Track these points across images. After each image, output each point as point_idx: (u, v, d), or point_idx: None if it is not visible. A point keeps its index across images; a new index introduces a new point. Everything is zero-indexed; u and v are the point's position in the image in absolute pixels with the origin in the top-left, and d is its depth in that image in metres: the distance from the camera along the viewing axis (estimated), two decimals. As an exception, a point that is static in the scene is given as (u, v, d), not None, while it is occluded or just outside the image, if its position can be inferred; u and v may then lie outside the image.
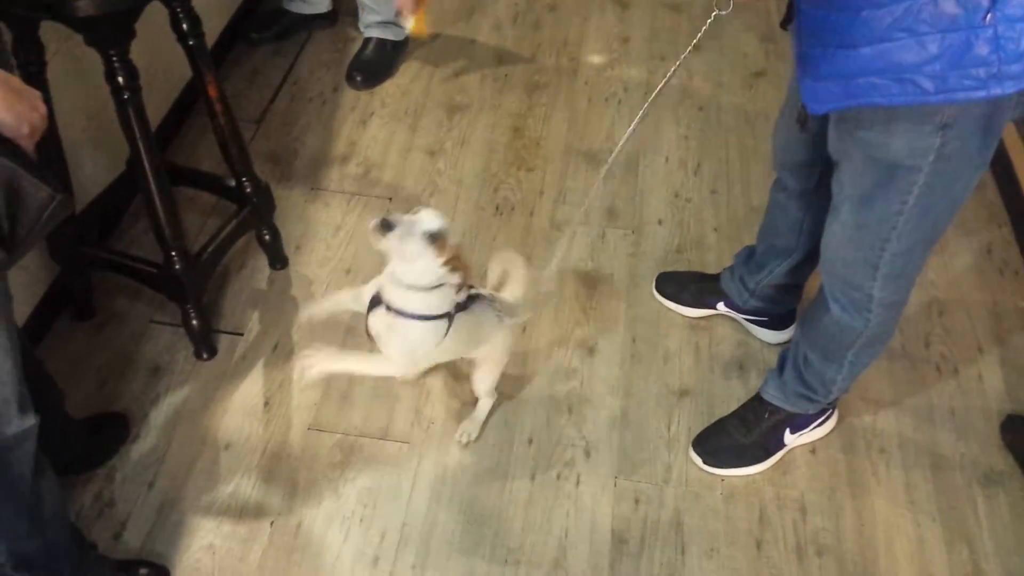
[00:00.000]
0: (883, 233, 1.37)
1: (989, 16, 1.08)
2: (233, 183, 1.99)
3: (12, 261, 1.16)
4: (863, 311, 1.51)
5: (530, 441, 1.86)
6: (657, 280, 2.15)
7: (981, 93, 1.14)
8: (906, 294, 1.52)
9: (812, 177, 1.65)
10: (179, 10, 1.70)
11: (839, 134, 1.36)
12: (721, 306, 2.06)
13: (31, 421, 1.26)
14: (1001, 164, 2.40)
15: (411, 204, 2.31)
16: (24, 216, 1.15)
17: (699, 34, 1.37)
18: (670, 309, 2.11)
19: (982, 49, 1.10)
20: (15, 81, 1.17)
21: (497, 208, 2.34)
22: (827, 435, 1.87)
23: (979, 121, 1.21)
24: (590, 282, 2.17)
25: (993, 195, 2.40)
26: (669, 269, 2.18)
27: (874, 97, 1.19)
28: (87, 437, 1.74)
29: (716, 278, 2.08)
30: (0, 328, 1.18)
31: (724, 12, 1.34)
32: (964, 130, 1.21)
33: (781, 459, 1.83)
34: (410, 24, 1.29)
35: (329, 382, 1.93)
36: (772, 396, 1.79)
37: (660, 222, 2.32)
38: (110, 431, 1.80)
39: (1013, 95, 1.17)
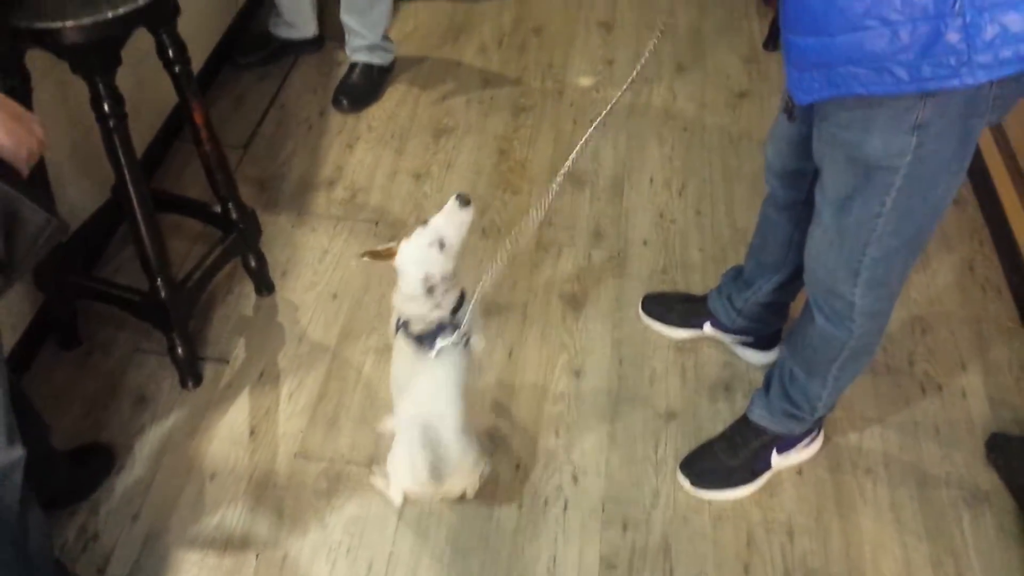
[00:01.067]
0: (863, 236, 1.38)
1: (958, 4, 1.09)
2: (219, 209, 2.00)
3: (8, 285, 1.18)
4: (846, 320, 1.51)
5: (517, 467, 1.86)
6: (643, 301, 2.15)
7: (954, 82, 1.14)
8: (889, 304, 1.53)
9: (802, 188, 1.65)
10: (165, 37, 1.71)
11: (819, 134, 1.37)
12: (707, 327, 2.07)
13: (18, 453, 1.26)
14: (981, 180, 2.43)
15: (397, 228, 2.33)
16: (21, 240, 1.17)
17: (650, 46, 1.44)
18: (656, 330, 2.12)
19: (952, 37, 1.11)
20: (13, 106, 1.18)
21: (483, 231, 2.34)
22: (813, 456, 1.87)
23: (954, 123, 1.22)
24: (576, 304, 2.18)
25: (974, 211, 2.42)
26: (655, 290, 2.19)
27: (854, 87, 1.20)
28: (72, 469, 1.73)
29: (702, 299, 2.09)
30: None
31: (661, 32, 1.39)
32: (939, 130, 1.23)
33: (768, 481, 1.83)
34: None
35: (315, 408, 1.93)
36: (759, 416, 1.80)
37: (645, 243, 2.33)
38: (95, 463, 1.79)
39: (988, 97, 1.19)
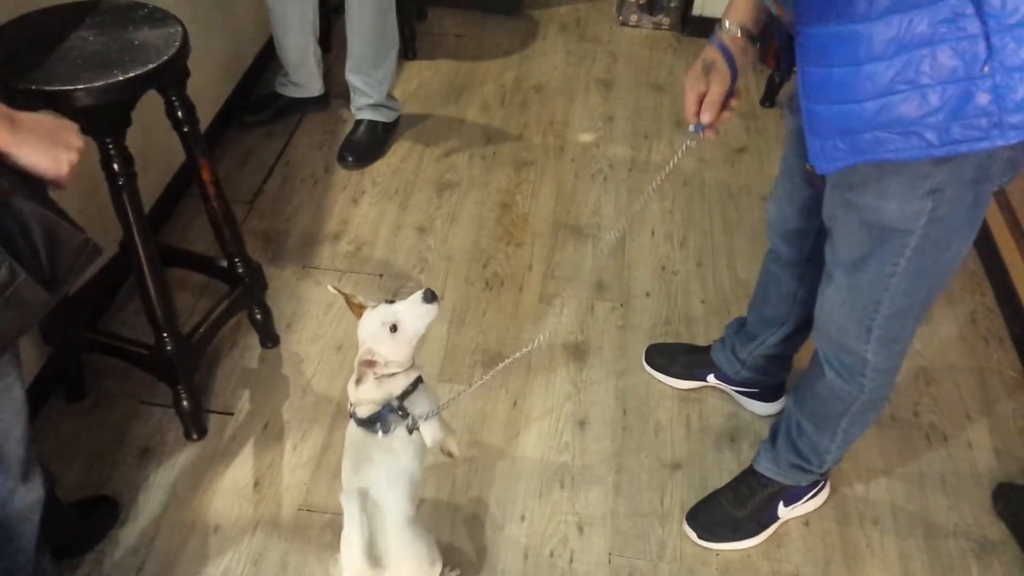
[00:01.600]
0: (876, 295, 1.38)
1: (987, 67, 1.08)
2: (225, 264, 2.02)
3: (53, 301, 1.19)
4: (857, 376, 1.51)
5: (522, 518, 1.85)
6: (647, 352, 2.16)
7: (985, 144, 1.14)
8: (899, 359, 1.53)
9: (805, 247, 1.68)
10: (174, 98, 1.75)
11: (832, 199, 1.38)
12: (711, 378, 2.08)
13: (39, 493, 1.28)
14: (981, 233, 2.44)
15: (401, 280, 2.35)
16: (62, 260, 1.19)
17: (671, 164, 1.48)
18: (660, 381, 2.12)
19: (982, 99, 1.10)
20: (47, 122, 1.19)
21: (487, 283, 2.37)
22: (820, 506, 1.86)
23: (968, 186, 1.23)
24: (579, 355, 2.19)
25: (975, 264, 2.44)
26: (658, 341, 2.20)
27: (881, 152, 1.19)
28: (77, 520, 1.72)
29: (706, 350, 2.09)
30: (15, 388, 1.20)
31: (693, 144, 1.44)
32: (954, 194, 1.23)
33: (775, 532, 1.82)
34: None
35: (319, 460, 1.92)
36: (765, 468, 1.79)
37: (648, 294, 2.35)
38: (100, 514, 1.78)
39: (1001, 159, 1.19)
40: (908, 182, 1.23)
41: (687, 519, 1.83)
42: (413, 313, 1.42)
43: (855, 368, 1.50)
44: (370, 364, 1.43)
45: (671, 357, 2.14)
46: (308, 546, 1.78)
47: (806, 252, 1.70)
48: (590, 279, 2.39)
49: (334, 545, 1.77)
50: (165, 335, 1.81)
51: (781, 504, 1.81)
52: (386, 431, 1.46)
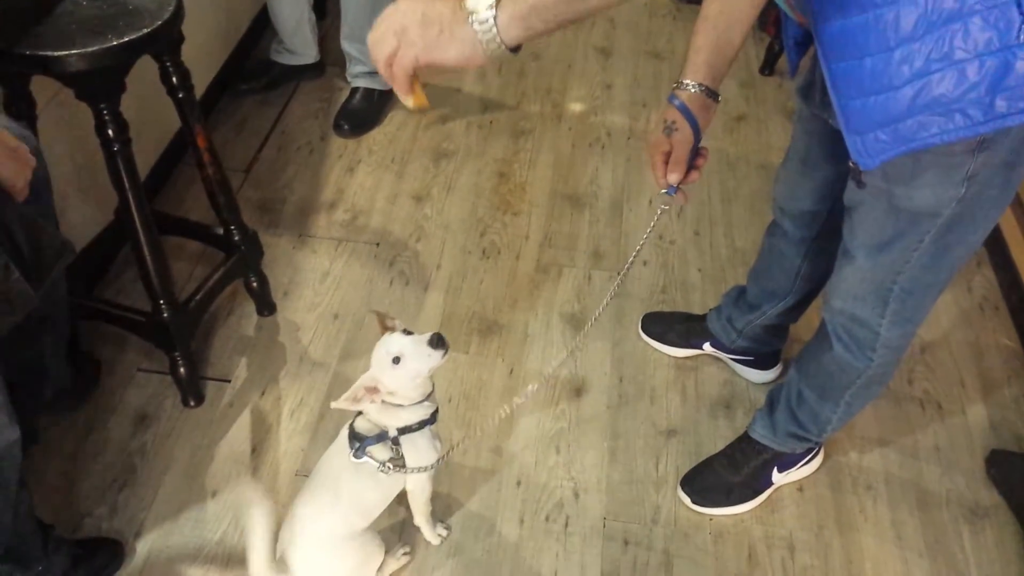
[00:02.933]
0: (896, 272, 1.36)
1: (1023, 34, 1.03)
2: (221, 231, 2.02)
3: (36, 300, 1.25)
4: (866, 350, 1.50)
5: (518, 483, 1.86)
6: (643, 320, 2.17)
7: None
8: (911, 337, 1.51)
9: (815, 225, 1.66)
10: (168, 64, 1.73)
11: (859, 185, 1.34)
12: (707, 346, 2.08)
13: (16, 433, 1.36)
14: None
15: (398, 249, 2.35)
16: (44, 262, 1.23)
17: (648, 231, 1.48)
18: (656, 349, 2.13)
19: (1022, 67, 1.05)
20: (8, 139, 1.23)
21: (484, 252, 2.36)
22: (814, 473, 1.88)
23: (1001, 170, 1.20)
24: (576, 323, 2.19)
25: (971, 233, 2.44)
26: (655, 310, 2.20)
27: (925, 138, 1.13)
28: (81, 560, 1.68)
29: (702, 318, 2.10)
30: None
31: (667, 207, 1.45)
32: (987, 178, 1.20)
33: (769, 497, 1.84)
34: (410, 102, 1.11)
35: (317, 427, 1.93)
36: (761, 435, 1.80)
37: (645, 263, 2.35)
38: (103, 556, 1.71)
39: None
40: (944, 170, 1.20)
41: (682, 484, 1.84)
42: (417, 352, 1.37)
43: (866, 342, 1.48)
44: (370, 390, 1.40)
45: (667, 325, 2.14)
46: (305, 511, 1.79)
47: (815, 231, 1.68)
48: (587, 248, 2.39)
49: (331, 510, 1.78)
50: (162, 302, 1.81)
51: (775, 470, 1.82)
52: (356, 455, 1.45)
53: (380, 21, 1.01)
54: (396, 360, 1.37)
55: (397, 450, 1.46)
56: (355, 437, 1.46)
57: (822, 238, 1.66)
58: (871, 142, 1.18)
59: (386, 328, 1.44)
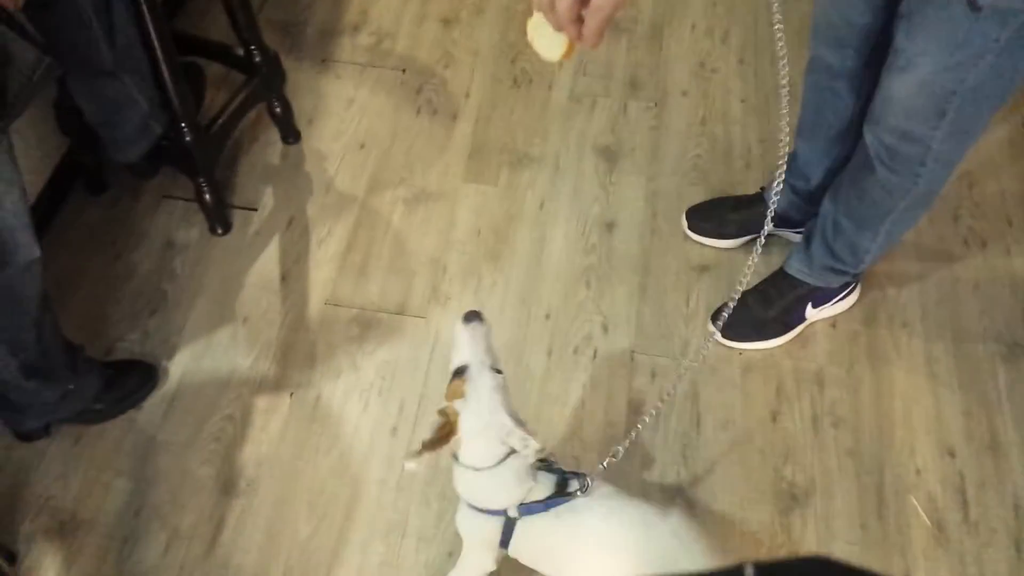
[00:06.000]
0: (960, 78, 1.24)
1: None
2: (242, 52, 1.93)
3: (4, 127, 1.17)
4: (915, 166, 1.40)
5: (547, 316, 1.85)
6: (688, 218, 1.96)
7: None
8: (963, 152, 1.41)
9: (866, 50, 1.48)
10: None
11: None
12: (770, 227, 1.91)
13: (37, 252, 1.35)
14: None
15: (425, 76, 2.25)
16: (13, 79, 1.15)
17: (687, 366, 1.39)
18: (713, 247, 1.95)
19: None
20: None
21: (515, 80, 2.26)
22: (849, 309, 1.84)
23: None
24: (610, 156, 2.11)
25: (1034, 64, 2.29)
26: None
27: None
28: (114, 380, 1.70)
29: (756, 198, 1.92)
30: (2, 162, 1.20)
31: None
32: None
33: (800, 333, 1.81)
34: (562, 49, 0.95)
35: (345, 257, 1.92)
36: (797, 270, 1.75)
37: (684, 93, 2.24)
38: (137, 376, 1.74)
39: None
40: None
41: (712, 319, 1.82)
42: (485, 384, 1.22)
43: (912, 158, 1.39)
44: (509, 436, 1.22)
45: (719, 219, 1.94)
46: (335, 339, 1.80)
47: (866, 56, 1.52)
48: (623, 77, 2.27)
49: (360, 338, 1.80)
50: (183, 125, 1.76)
51: (809, 306, 1.78)
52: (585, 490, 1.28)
53: None
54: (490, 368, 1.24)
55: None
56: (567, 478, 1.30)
57: (874, 65, 1.51)
58: None
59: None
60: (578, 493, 1.26)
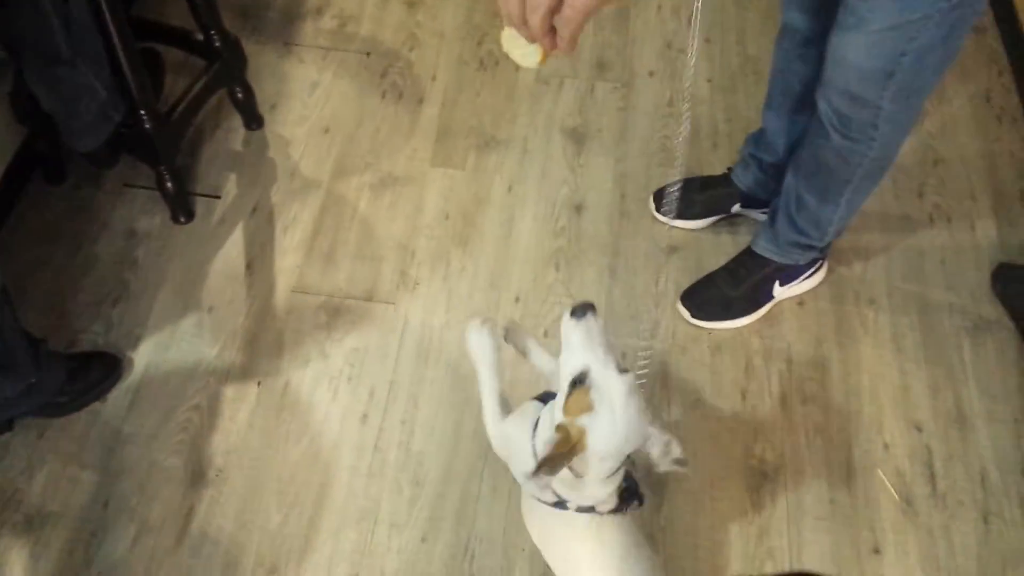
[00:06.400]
0: (909, 38, 1.25)
1: None
2: (201, 37, 1.90)
3: None
4: (868, 129, 1.41)
5: (517, 299, 1.84)
6: (655, 199, 1.96)
7: None
8: (914, 114, 1.43)
9: (833, 10, 1.50)
10: None
11: None
12: (737, 207, 1.92)
13: None
14: (1003, 6, 2.30)
15: (390, 60, 2.23)
16: None
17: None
18: (680, 227, 1.94)
19: None
20: None
21: (481, 62, 2.24)
22: (816, 287, 1.85)
23: None
24: (578, 138, 2.10)
25: (994, 40, 2.30)
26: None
27: None
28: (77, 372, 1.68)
29: (723, 179, 1.92)
30: None
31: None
32: None
33: (769, 311, 1.82)
34: (537, 58, 0.95)
35: (311, 243, 1.90)
36: (764, 248, 1.76)
37: (651, 74, 2.23)
38: (99, 368, 1.71)
39: None
40: None
41: (681, 299, 1.82)
42: (616, 387, 1.05)
43: (866, 123, 1.40)
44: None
45: (686, 200, 1.93)
46: (302, 326, 1.78)
47: (834, 17, 1.53)
48: (591, 58, 2.26)
49: (328, 325, 1.78)
50: (142, 112, 1.73)
51: (777, 284, 1.79)
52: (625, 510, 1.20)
53: None
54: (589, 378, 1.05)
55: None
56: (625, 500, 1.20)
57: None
58: None
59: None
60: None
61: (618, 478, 1.15)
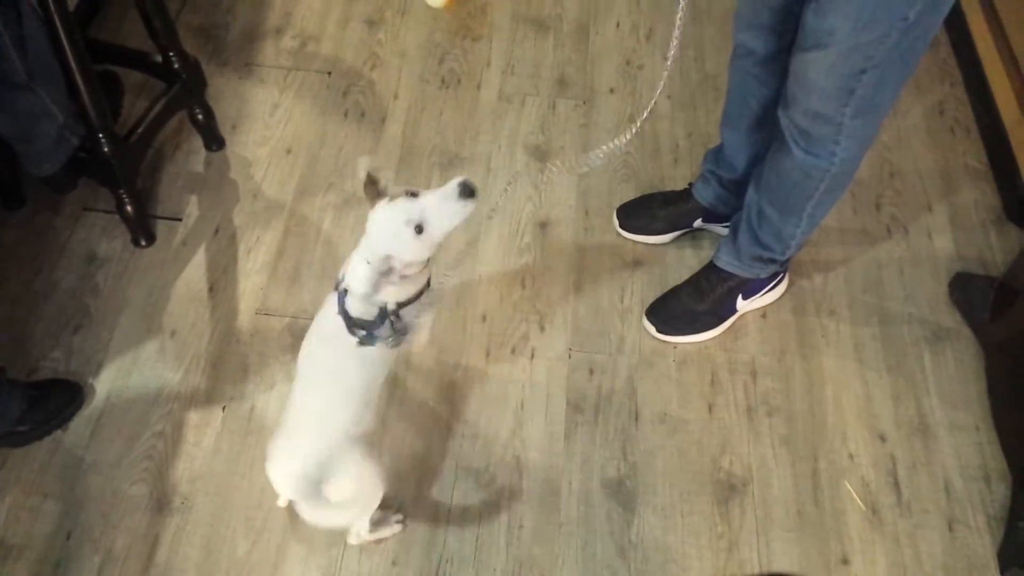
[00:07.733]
0: (868, 57, 1.28)
1: None
2: (160, 59, 1.88)
3: None
4: (829, 145, 1.43)
5: (484, 318, 1.84)
6: (619, 216, 1.98)
7: None
8: (874, 130, 1.45)
9: (788, 32, 1.49)
10: None
11: None
12: (699, 222, 1.95)
13: None
14: (955, 20, 2.35)
15: (352, 79, 2.23)
16: None
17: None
18: (644, 243, 1.97)
19: None
20: None
21: (443, 81, 2.25)
22: (778, 299, 1.87)
23: None
24: (541, 155, 2.12)
25: (947, 53, 2.36)
26: (624, 200, 2.00)
27: None
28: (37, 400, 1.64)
29: (684, 194, 1.94)
30: None
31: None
32: None
33: (733, 325, 1.84)
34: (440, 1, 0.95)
35: (275, 265, 1.88)
36: (726, 263, 1.78)
37: (612, 91, 2.25)
38: (58, 397, 1.68)
39: None
40: None
41: (646, 314, 1.83)
42: (445, 212, 1.21)
43: (827, 138, 1.43)
44: (389, 272, 1.23)
45: (648, 215, 1.96)
46: (268, 348, 1.77)
47: (787, 40, 1.55)
48: (551, 75, 2.28)
49: (293, 348, 1.77)
50: (100, 135, 1.71)
51: (740, 297, 1.81)
52: (366, 342, 1.29)
53: None
54: (419, 228, 1.21)
55: (403, 328, 1.32)
56: (356, 325, 1.29)
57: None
58: None
59: (378, 193, 1.25)
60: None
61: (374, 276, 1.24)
